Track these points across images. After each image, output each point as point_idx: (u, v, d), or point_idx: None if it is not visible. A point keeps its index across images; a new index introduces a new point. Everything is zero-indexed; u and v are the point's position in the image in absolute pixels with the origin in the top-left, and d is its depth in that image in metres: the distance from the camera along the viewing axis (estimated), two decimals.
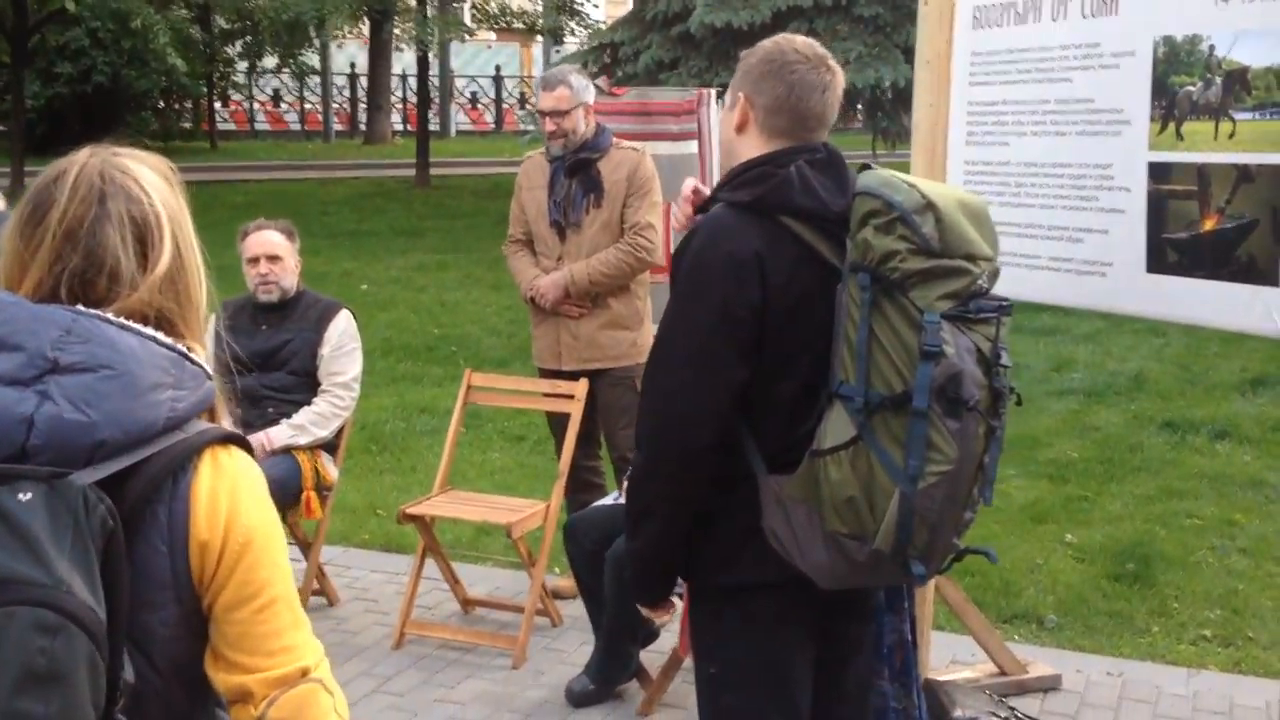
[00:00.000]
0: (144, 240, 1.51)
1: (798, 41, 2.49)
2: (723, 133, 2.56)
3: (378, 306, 11.06)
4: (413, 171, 20.40)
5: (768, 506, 2.36)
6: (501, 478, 6.63)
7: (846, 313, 2.28)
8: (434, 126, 30.55)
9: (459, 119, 32.23)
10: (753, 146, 2.46)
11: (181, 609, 1.47)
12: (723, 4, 13.25)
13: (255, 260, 4.76)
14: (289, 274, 4.79)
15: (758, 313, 2.32)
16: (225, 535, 1.47)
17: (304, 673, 1.52)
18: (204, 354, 1.55)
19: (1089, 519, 6.06)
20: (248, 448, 1.54)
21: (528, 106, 26.04)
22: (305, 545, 4.88)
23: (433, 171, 20.09)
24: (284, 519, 4.69)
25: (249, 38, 24.57)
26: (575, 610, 4.72)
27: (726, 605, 2.48)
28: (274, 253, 4.76)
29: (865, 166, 2.47)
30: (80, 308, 1.45)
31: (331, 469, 4.81)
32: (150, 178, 1.55)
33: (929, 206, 2.25)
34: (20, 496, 1.32)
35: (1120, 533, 5.81)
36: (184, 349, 1.50)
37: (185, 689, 1.51)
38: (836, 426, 2.28)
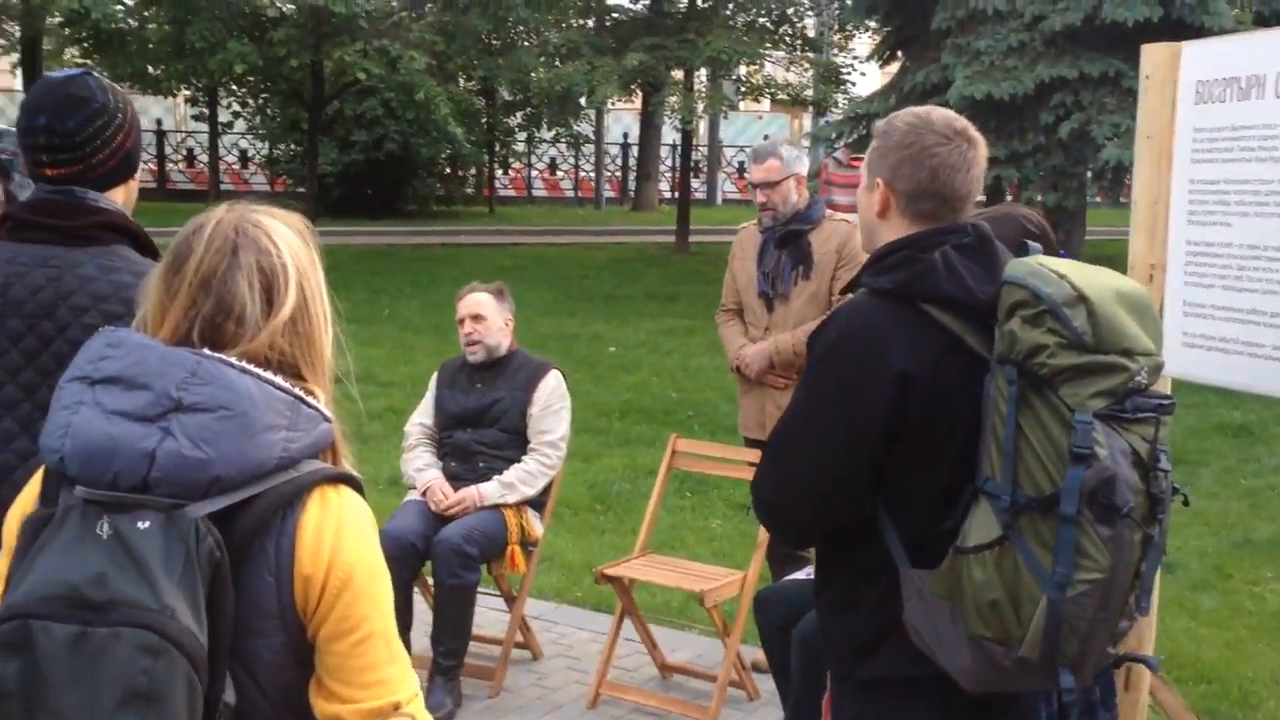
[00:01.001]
0: (270, 288, 1.61)
1: (934, 118, 2.40)
2: (862, 214, 2.51)
3: (622, 369, 11.32)
4: (674, 238, 20.85)
5: (910, 600, 2.28)
6: (720, 545, 6.64)
7: (994, 407, 2.19)
8: (701, 194, 31.20)
9: (726, 187, 32.73)
10: (895, 229, 2.40)
11: (288, 637, 1.56)
12: (983, 75, 13.02)
13: (463, 321, 4.98)
14: (493, 333, 4.97)
15: (892, 411, 2.26)
16: (328, 570, 1.55)
17: (396, 707, 1.59)
18: (325, 398, 1.64)
19: None
20: (358, 487, 1.63)
21: None
22: (510, 598, 5.03)
23: (693, 239, 20.46)
24: (489, 571, 4.87)
25: (528, 109, 25.81)
26: (774, 684, 4.67)
27: (866, 697, 2.41)
28: (478, 312, 4.96)
29: (1024, 247, 2.38)
30: (206, 351, 1.56)
31: (537, 525, 4.95)
32: (282, 232, 1.66)
33: (1081, 299, 2.14)
34: (139, 524, 1.43)
35: None
36: (301, 393, 1.59)
37: (292, 715, 1.59)
38: (981, 524, 2.19)
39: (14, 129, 4.57)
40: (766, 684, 4.82)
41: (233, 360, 1.56)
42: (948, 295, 2.27)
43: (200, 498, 1.47)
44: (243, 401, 1.51)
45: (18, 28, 23.72)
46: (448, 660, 4.63)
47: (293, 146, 25.55)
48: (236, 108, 25.52)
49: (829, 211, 4.98)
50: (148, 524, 1.43)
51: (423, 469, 4.91)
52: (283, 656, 1.56)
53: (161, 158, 29.21)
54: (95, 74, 2.33)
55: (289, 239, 1.66)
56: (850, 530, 2.37)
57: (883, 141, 2.42)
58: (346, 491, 1.61)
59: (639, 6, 20.70)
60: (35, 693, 1.38)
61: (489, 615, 5.20)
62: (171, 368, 1.52)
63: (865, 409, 2.27)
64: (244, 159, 29.29)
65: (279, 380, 1.57)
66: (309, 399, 1.60)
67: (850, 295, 2.47)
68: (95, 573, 1.40)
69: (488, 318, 4.96)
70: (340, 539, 1.57)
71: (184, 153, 29.66)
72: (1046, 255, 2.38)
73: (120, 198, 2.31)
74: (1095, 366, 2.12)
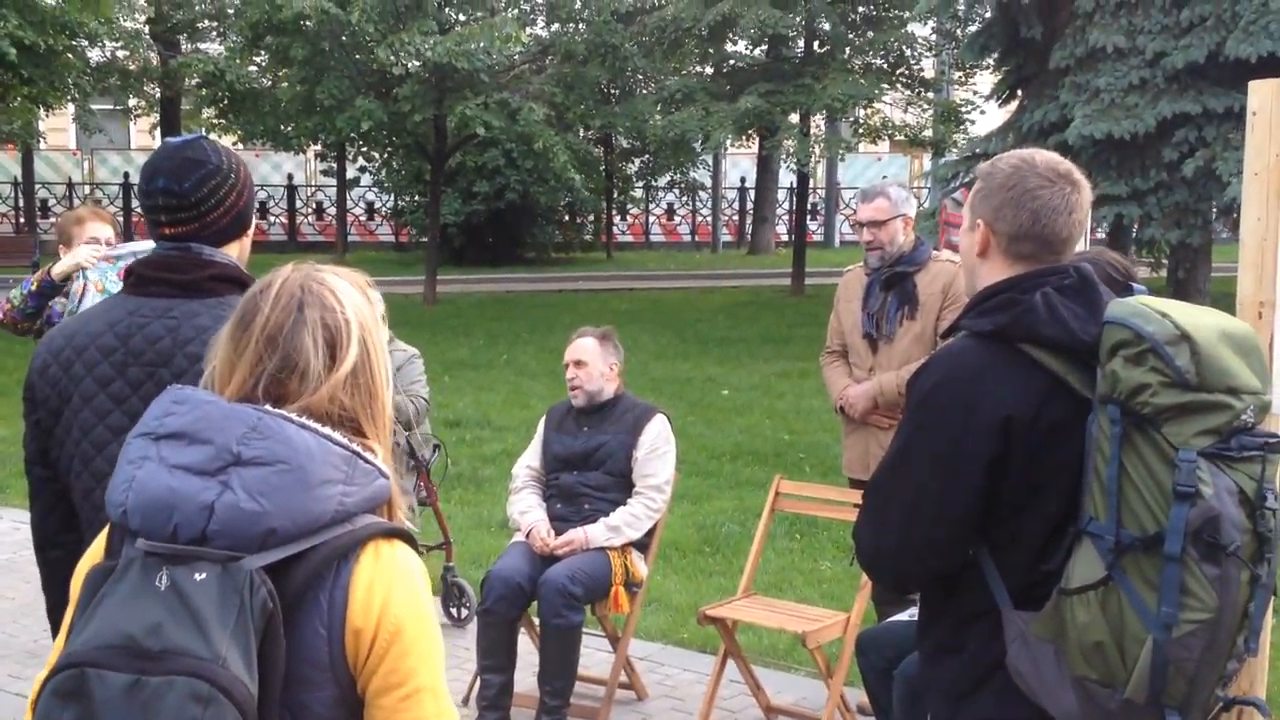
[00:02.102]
0: (333, 344, 1.65)
1: (1038, 161, 2.41)
2: (964, 255, 2.52)
3: (735, 411, 11.34)
4: (789, 281, 20.83)
5: (1013, 644, 2.27)
6: (829, 587, 6.61)
7: (1097, 447, 2.19)
8: (818, 237, 31.11)
9: (843, 229, 32.60)
10: (995, 271, 2.41)
11: (339, 690, 1.57)
12: (1103, 114, 12.81)
13: (567, 366, 5.08)
14: (595, 379, 5.04)
15: (995, 455, 2.26)
16: (378, 623, 1.57)
17: None
18: (383, 454, 1.68)
19: None
20: (412, 542, 1.66)
21: None
22: (614, 639, 5.08)
23: (809, 281, 20.42)
24: (593, 612, 4.93)
25: (646, 156, 26.10)
26: None
27: None
28: (580, 358, 5.05)
29: (1128, 289, 2.38)
30: (267, 407, 1.60)
31: (641, 566, 4.99)
32: (345, 289, 1.71)
33: (1184, 337, 2.14)
34: (196, 576, 1.47)
35: None
36: (358, 448, 1.62)
37: None
38: (1085, 565, 2.19)
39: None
40: None
41: (292, 416, 1.59)
42: (1049, 336, 2.27)
43: (256, 550, 1.51)
44: (300, 456, 1.55)
45: (157, 89, 24.85)
46: (553, 700, 4.69)
47: (417, 198, 26.21)
48: (363, 162, 26.30)
49: (935, 253, 4.98)
50: (204, 575, 1.47)
51: (526, 511, 5.00)
52: (333, 710, 1.57)
53: (292, 211, 30.22)
54: (209, 139, 2.48)
55: (352, 296, 1.70)
56: (953, 573, 2.37)
57: (986, 183, 2.43)
58: (400, 546, 1.63)
59: (756, 53, 20.84)
60: None
61: (596, 656, 5.26)
62: (233, 423, 1.56)
63: (967, 454, 2.27)
64: (370, 211, 30.13)
65: (337, 435, 1.60)
66: (366, 454, 1.63)
67: (949, 340, 2.49)
68: (152, 623, 1.45)
69: (589, 363, 5.04)
70: (391, 592, 1.58)
71: (313, 206, 30.62)
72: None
73: (234, 252, 2.44)
74: (1199, 405, 2.12)
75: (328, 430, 1.61)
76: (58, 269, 4.38)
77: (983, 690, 2.34)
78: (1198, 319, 2.20)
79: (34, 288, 4.46)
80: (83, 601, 1.53)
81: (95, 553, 1.66)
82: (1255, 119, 3.79)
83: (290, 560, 1.53)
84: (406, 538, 1.66)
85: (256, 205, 2.58)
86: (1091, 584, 2.16)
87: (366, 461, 1.62)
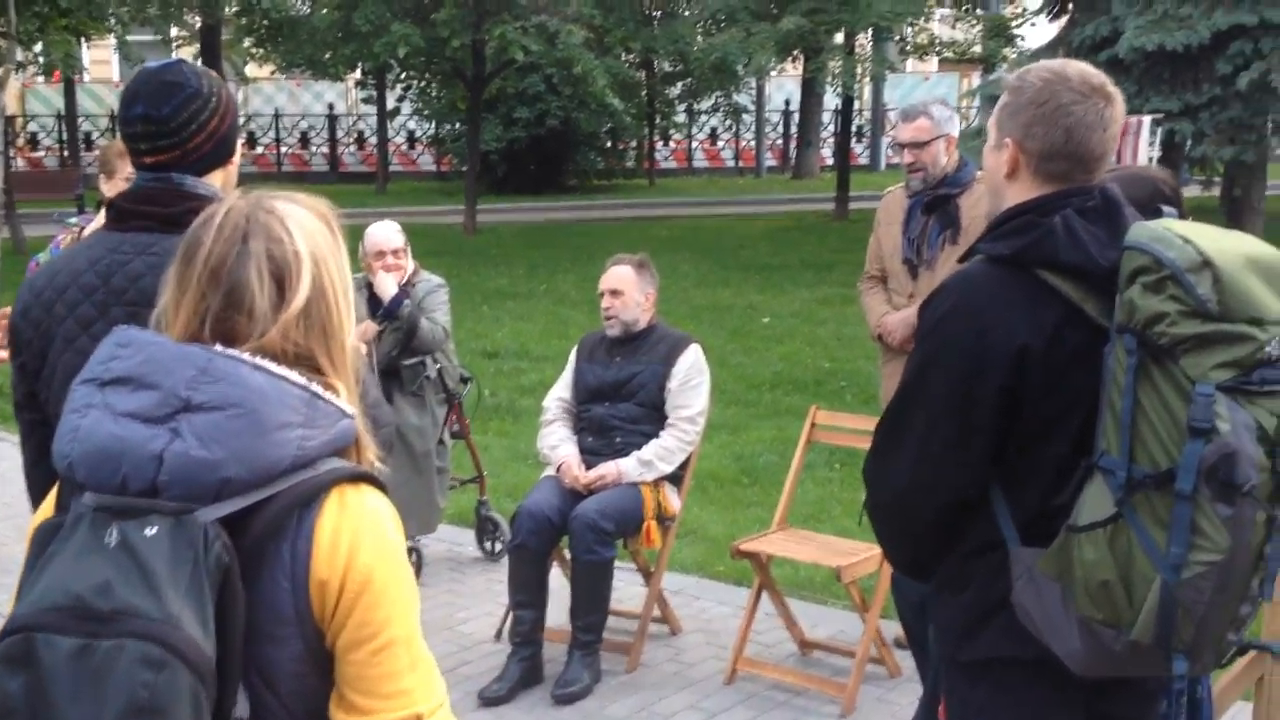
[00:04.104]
0: (281, 279, 1.53)
1: (1070, 73, 2.26)
2: (989, 175, 2.38)
3: (775, 339, 11.20)
4: (833, 205, 20.54)
5: (1019, 580, 2.20)
6: (862, 510, 6.51)
7: (1112, 378, 2.09)
8: (864, 160, 30.63)
9: (890, 151, 32.09)
10: (1023, 191, 2.28)
11: (306, 646, 1.48)
12: (1156, 26, 12.41)
13: (602, 295, 4.97)
14: (630, 308, 4.93)
15: (1008, 385, 2.16)
16: (344, 574, 1.48)
17: (417, 718, 1.51)
18: (346, 393, 1.57)
19: None
20: (380, 486, 1.56)
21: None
22: (647, 574, 5.01)
23: (854, 205, 20.13)
24: (625, 546, 4.87)
25: (688, 79, 25.71)
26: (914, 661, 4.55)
27: (974, 679, 2.32)
28: (616, 287, 4.93)
29: (1157, 212, 2.24)
30: (218, 347, 1.49)
31: (674, 499, 4.91)
32: (297, 217, 1.57)
33: (1206, 264, 2.02)
34: (146, 531, 1.38)
35: None
36: (318, 388, 1.51)
37: None
38: (1095, 501, 2.09)
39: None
40: (908, 660, 4.71)
41: (245, 356, 1.48)
42: (1067, 262, 2.16)
43: (211, 500, 1.41)
44: (254, 399, 1.44)
45: (198, 19, 24.73)
46: (585, 635, 4.64)
47: (458, 126, 26.04)
48: (400, 90, 26.11)
49: (979, 174, 4.78)
50: (155, 530, 1.38)
51: (557, 445, 4.92)
52: (302, 666, 1.49)
53: (334, 141, 30.12)
54: (189, 61, 2.38)
55: (306, 225, 1.57)
56: (960, 507, 2.28)
57: (1014, 98, 2.29)
58: (367, 490, 1.53)
59: None
60: (39, 709, 1.34)
61: (629, 590, 5.20)
62: (181, 366, 1.46)
63: (980, 384, 2.17)
64: (411, 140, 29.98)
65: (294, 375, 1.50)
66: (327, 394, 1.52)
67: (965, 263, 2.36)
68: (101, 582, 1.36)
69: (625, 292, 4.92)
70: (358, 540, 1.49)
71: (354, 136, 30.51)
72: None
73: (219, 181, 2.34)
74: (1220, 336, 2.00)
75: (284, 370, 1.49)
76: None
77: (987, 628, 2.27)
78: (1223, 244, 2.08)
79: (64, 249, 4.41)
80: (30, 561, 1.45)
81: (47, 508, 1.58)
82: None
83: (248, 510, 1.43)
84: (375, 481, 1.55)
85: (243, 131, 2.47)
86: (1100, 521, 2.08)
87: (327, 402, 1.51)
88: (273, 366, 1.49)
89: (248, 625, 1.43)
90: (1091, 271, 2.15)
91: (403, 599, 1.53)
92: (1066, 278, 2.17)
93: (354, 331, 1.61)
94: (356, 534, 1.50)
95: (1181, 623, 2.01)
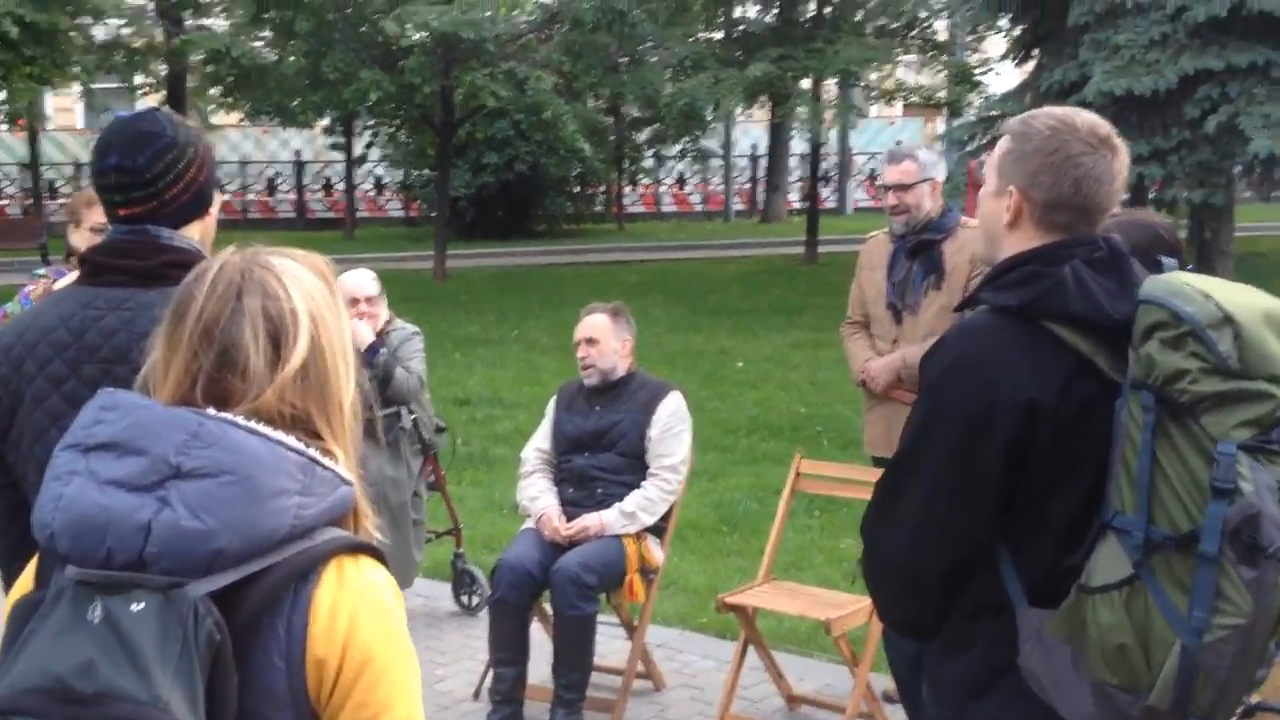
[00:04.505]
0: (277, 337, 1.46)
1: (1079, 124, 2.18)
2: (987, 222, 2.30)
3: (749, 384, 11.13)
4: (802, 249, 20.58)
5: (1026, 643, 2.11)
6: (851, 565, 6.41)
7: (1126, 435, 2.01)
8: (831, 204, 30.78)
9: (857, 195, 32.25)
10: (1024, 240, 2.20)
11: None
12: (1123, 70, 12.51)
13: (579, 344, 4.88)
14: (607, 356, 4.84)
15: (1016, 442, 2.08)
16: (343, 652, 1.40)
17: None
18: (345, 458, 1.49)
19: None
20: (380, 557, 1.48)
21: None
22: (630, 628, 4.89)
23: (822, 249, 20.17)
24: (608, 600, 4.75)
25: (656, 125, 25.78)
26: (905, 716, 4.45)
27: None
28: (592, 336, 4.85)
29: (1158, 264, 2.18)
30: (210, 411, 1.41)
31: (657, 552, 4.81)
32: (294, 274, 1.50)
33: (1227, 320, 1.96)
34: (133, 607, 1.29)
35: None
36: (316, 454, 1.43)
37: None
38: (1109, 562, 2.01)
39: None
40: (898, 715, 4.60)
41: (239, 419, 1.40)
42: (1078, 314, 2.09)
43: (202, 574, 1.32)
44: (248, 465, 1.36)
45: (164, 67, 24.63)
46: (569, 693, 4.52)
47: (426, 172, 25.98)
48: (369, 137, 26.03)
49: (964, 220, 4.75)
50: (142, 605, 1.29)
51: (536, 496, 4.81)
52: None
53: (300, 188, 29.99)
54: (165, 110, 2.29)
55: (303, 282, 1.50)
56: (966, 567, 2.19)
57: (1019, 145, 2.21)
58: (366, 562, 1.45)
59: (767, 18, 20.49)
60: None
61: (612, 644, 5.08)
62: (170, 430, 1.37)
63: (988, 438, 2.09)
64: (379, 186, 29.90)
65: (290, 440, 1.41)
66: (325, 460, 1.44)
67: (966, 313, 2.29)
68: (83, 662, 1.27)
69: (601, 340, 4.84)
70: (357, 616, 1.41)
71: (321, 182, 30.40)
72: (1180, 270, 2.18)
73: (196, 233, 2.25)
74: (1241, 394, 1.94)
75: (280, 435, 1.41)
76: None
77: (992, 690, 2.19)
78: (1240, 299, 2.02)
79: (34, 300, 4.28)
80: (8, 638, 1.35)
81: (25, 582, 1.47)
82: None
83: (242, 584, 1.34)
84: (375, 553, 1.47)
85: (220, 182, 2.37)
86: (1115, 583, 2.00)
87: (325, 468, 1.43)
88: (268, 430, 1.41)
89: (239, 707, 1.34)
90: (1102, 324, 2.08)
91: (404, 678, 1.44)
92: (1076, 330, 2.10)
93: (353, 394, 1.52)
94: (356, 609, 1.41)
95: (1201, 688, 1.95)
